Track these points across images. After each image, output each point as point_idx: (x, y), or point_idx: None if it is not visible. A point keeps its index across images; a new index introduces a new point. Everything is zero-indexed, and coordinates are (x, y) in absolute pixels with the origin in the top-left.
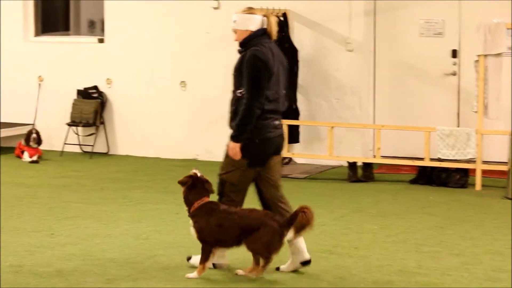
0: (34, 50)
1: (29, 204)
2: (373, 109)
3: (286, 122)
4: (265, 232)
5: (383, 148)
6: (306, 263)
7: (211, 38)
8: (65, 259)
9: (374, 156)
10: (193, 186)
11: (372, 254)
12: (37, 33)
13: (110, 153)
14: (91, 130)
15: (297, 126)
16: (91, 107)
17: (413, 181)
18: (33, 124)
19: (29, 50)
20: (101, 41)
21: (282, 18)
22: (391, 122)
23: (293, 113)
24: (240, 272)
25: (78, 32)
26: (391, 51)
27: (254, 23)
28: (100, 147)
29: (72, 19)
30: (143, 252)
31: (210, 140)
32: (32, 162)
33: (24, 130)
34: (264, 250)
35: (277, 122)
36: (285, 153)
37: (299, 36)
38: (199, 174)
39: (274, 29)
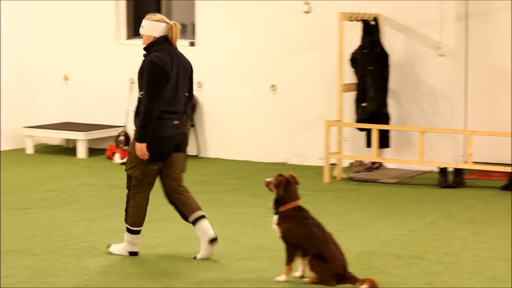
0: (126, 53)
1: (120, 206)
2: (464, 114)
3: (376, 127)
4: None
5: (475, 153)
6: (213, 240)
7: (301, 42)
8: (155, 261)
9: (465, 162)
10: (289, 186)
11: (463, 261)
12: (129, 36)
13: (200, 155)
14: None
15: (387, 131)
16: None
17: (505, 188)
18: (124, 126)
19: (121, 53)
20: (192, 44)
21: (373, 23)
22: (483, 128)
23: (384, 118)
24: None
25: None
26: (483, 56)
27: (157, 30)
28: (191, 150)
29: None
30: (233, 255)
31: (300, 144)
32: (123, 164)
33: (115, 132)
34: (323, 278)
35: (175, 122)
36: (375, 157)
37: (390, 40)
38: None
39: (175, 37)
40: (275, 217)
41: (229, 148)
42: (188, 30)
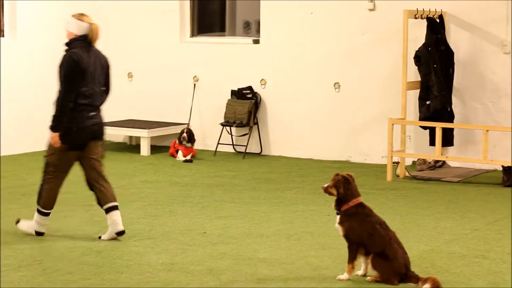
0: (190, 51)
1: (182, 203)
2: None
3: (440, 125)
4: (396, 265)
5: None
6: (120, 233)
7: (366, 40)
8: (216, 258)
9: None
10: (348, 184)
11: None
12: (193, 34)
13: (263, 153)
14: (245, 130)
15: (451, 129)
16: (245, 107)
17: None
18: (187, 124)
19: (185, 51)
20: (256, 42)
21: (438, 20)
22: None
23: (448, 116)
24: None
25: (233, 33)
26: None
27: (79, 28)
28: (253, 148)
29: (228, 20)
30: (295, 253)
31: (363, 142)
32: (186, 161)
33: (178, 130)
34: (385, 277)
35: (92, 114)
36: (439, 156)
37: (455, 38)
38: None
39: (95, 37)
40: (338, 217)
41: (291, 146)
42: (252, 28)
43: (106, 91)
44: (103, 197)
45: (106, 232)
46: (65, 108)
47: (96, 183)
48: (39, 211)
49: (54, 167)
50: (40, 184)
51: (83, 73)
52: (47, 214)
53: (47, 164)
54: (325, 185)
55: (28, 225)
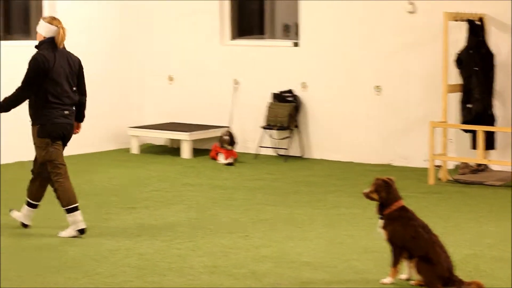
0: (230, 54)
1: (224, 206)
2: None
3: (482, 128)
4: (439, 269)
5: None
6: (82, 231)
7: (406, 42)
8: (259, 261)
9: None
10: (389, 188)
11: None
12: (233, 37)
13: (304, 156)
14: (286, 133)
15: (493, 133)
16: (286, 110)
17: None
18: (228, 127)
19: (225, 54)
20: (295, 44)
21: (478, 23)
22: None
23: (489, 119)
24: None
25: (273, 36)
26: None
27: (47, 31)
28: (295, 151)
29: (267, 22)
30: (337, 256)
31: (405, 145)
32: (227, 164)
33: (219, 133)
34: (429, 281)
35: (66, 112)
36: (481, 159)
37: (495, 41)
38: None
39: (61, 40)
40: (381, 221)
41: (332, 149)
42: (291, 31)
43: (80, 92)
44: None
45: (67, 230)
46: (17, 103)
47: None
48: (71, 210)
49: (53, 165)
50: (54, 189)
51: (48, 74)
52: (76, 209)
53: (44, 166)
54: (366, 191)
55: (24, 215)
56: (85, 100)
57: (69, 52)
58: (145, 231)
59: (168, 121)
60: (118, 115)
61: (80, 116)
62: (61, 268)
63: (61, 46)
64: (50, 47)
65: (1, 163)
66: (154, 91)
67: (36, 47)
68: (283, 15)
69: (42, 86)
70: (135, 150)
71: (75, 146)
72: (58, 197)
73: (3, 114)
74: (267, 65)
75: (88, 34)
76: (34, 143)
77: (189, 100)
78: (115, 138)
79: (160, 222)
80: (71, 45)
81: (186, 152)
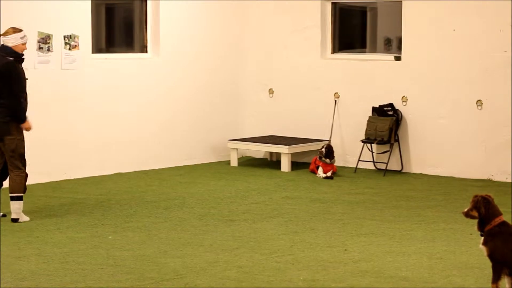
0: (331, 67)
1: (323, 220)
2: None
3: None
4: None
5: None
6: (14, 220)
7: (508, 56)
8: (358, 275)
9: None
10: (488, 204)
11: None
12: (334, 50)
13: (403, 171)
14: (386, 147)
15: None
16: (386, 124)
17: None
18: (329, 140)
19: (327, 67)
20: (397, 58)
21: None
22: None
23: None
24: None
25: (374, 50)
26: None
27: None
28: (394, 165)
29: (369, 36)
30: (437, 272)
31: (506, 160)
32: (327, 178)
33: (319, 146)
34: None
35: None
36: None
37: None
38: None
39: None
40: (482, 238)
41: (432, 164)
42: (393, 44)
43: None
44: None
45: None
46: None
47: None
48: (21, 198)
49: (21, 157)
50: (13, 176)
51: None
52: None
53: (20, 157)
54: (466, 210)
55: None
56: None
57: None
58: (244, 244)
59: (268, 134)
60: (219, 128)
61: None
62: (161, 280)
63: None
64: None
65: None
66: (254, 104)
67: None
68: (385, 29)
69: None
70: (234, 162)
71: (177, 158)
72: (15, 183)
73: None
74: (368, 78)
75: (188, 48)
76: (11, 136)
77: (289, 113)
78: (215, 150)
79: (259, 235)
80: (174, 61)
81: (285, 165)
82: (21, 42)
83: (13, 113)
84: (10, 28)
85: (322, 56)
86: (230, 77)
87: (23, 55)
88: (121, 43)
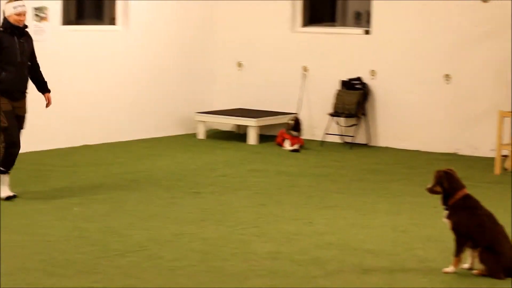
0: (301, 41)
1: (289, 193)
2: None
3: None
4: (504, 259)
5: None
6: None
7: (477, 32)
8: (322, 248)
9: None
10: (451, 177)
11: None
12: (304, 24)
13: (370, 144)
14: (353, 121)
15: None
16: (354, 98)
17: None
18: (296, 114)
19: (296, 41)
20: (367, 32)
21: None
22: None
23: None
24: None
25: (344, 24)
26: None
27: None
28: (361, 138)
29: (339, 10)
30: (401, 245)
31: (472, 134)
32: (293, 151)
33: (287, 119)
34: (492, 271)
35: None
36: None
37: None
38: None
39: None
40: (445, 212)
41: (399, 138)
42: (362, 19)
43: None
44: None
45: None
46: None
47: None
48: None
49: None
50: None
51: None
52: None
53: (5, 130)
54: (429, 186)
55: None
56: None
57: None
58: (209, 216)
59: (236, 107)
60: (186, 101)
61: None
62: (125, 252)
63: None
64: None
65: None
66: (223, 77)
67: (26, 26)
68: (355, 3)
69: None
70: (201, 135)
71: (144, 130)
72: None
73: None
74: (337, 52)
75: (157, 21)
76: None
77: (258, 86)
78: (183, 123)
79: (225, 208)
80: (143, 33)
81: (252, 138)
82: (14, 12)
83: None
84: None
85: (292, 30)
86: (199, 50)
87: (15, 25)
88: (91, 15)
